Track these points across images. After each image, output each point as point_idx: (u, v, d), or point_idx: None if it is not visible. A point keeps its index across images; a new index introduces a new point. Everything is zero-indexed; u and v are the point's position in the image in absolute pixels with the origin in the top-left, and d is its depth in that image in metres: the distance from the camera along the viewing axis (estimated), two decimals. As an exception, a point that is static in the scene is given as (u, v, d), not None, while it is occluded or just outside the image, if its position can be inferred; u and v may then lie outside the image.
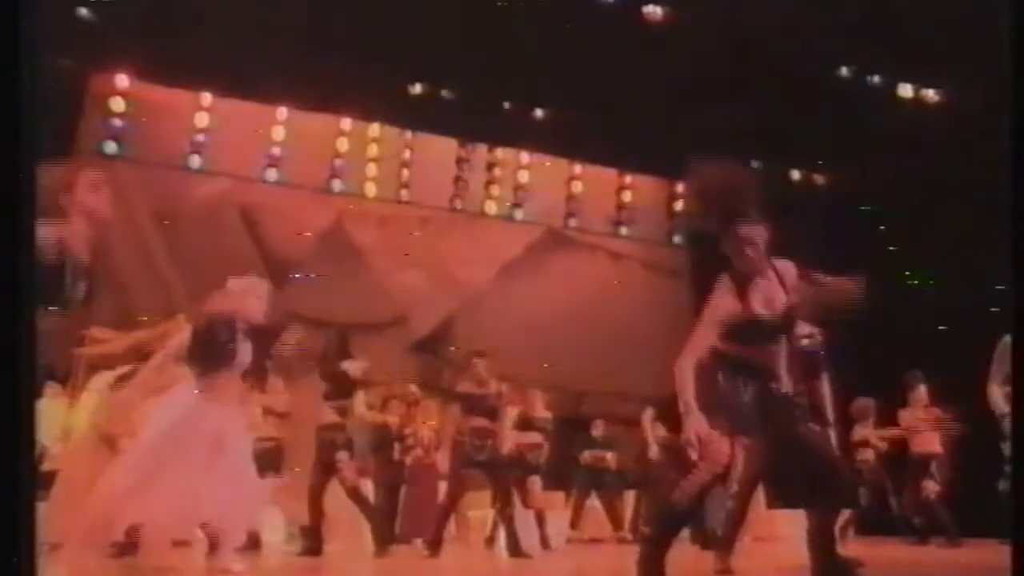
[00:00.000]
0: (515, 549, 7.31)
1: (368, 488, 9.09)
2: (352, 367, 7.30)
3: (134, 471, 4.27)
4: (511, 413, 8.29)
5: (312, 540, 7.02)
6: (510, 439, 7.95)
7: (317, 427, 7.20)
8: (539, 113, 12.04)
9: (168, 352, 4.66)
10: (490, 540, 8.68)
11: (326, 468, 7.09)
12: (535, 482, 8.81)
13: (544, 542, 8.63)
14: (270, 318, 5.18)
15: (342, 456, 7.07)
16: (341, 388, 7.24)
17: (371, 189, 12.26)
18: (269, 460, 7.19)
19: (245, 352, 4.69)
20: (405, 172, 12.39)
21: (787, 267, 3.75)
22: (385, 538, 7.17)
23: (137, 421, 4.45)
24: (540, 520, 8.82)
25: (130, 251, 10.75)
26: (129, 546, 5.85)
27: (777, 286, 3.67)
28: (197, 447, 4.34)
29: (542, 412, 9.13)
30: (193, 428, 4.38)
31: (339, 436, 7.13)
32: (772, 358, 3.65)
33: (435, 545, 7.33)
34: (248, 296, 4.79)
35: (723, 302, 3.64)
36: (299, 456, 7.94)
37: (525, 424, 8.80)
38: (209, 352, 4.57)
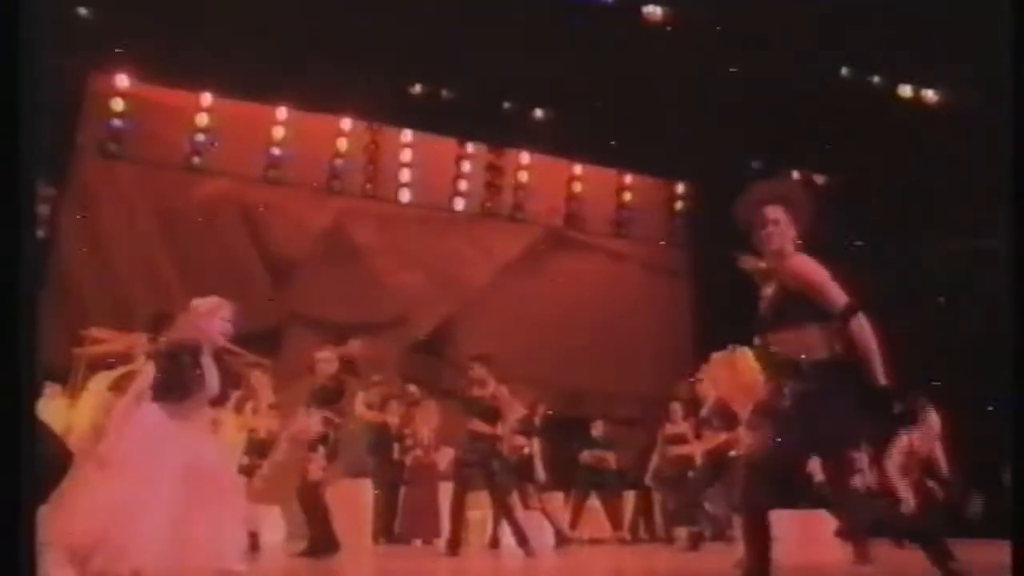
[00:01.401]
0: (523, 542, 7.34)
1: (366, 490, 9.09)
2: (353, 346, 7.25)
3: (112, 505, 4.16)
4: (510, 416, 8.28)
5: (324, 538, 6.90)
6: (509, 441, 7.93)
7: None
8: (539, 113, 12.05)
9: (134, 393, 4.56)
10: (493, 540, 8.69)
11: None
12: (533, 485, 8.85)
13: (559, 538, 8.65)
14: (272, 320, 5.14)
15: (317, 450, 6.95)
16: (329, 393, 7.15)
17: (371, 189, 12.27)
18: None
19: (212, 377, 4.61)
20: (405, 172, 12.40)
21: (802, 263, 3.67)
22: (320, 547, 6.84)
23: (109, 455, 4.32)
24: (549, 519, 8.87)
25: (130, 251, 10.76)
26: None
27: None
28: (174, 478, 4.25)
29: (520, 413, 9.13)
30: (167, 458, 4.29)
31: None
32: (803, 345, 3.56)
33: (453, 546, 7.39)
34: (212, 318, 4.71)
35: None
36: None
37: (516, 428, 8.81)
38: (175, 382, 4.48)
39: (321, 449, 6.98)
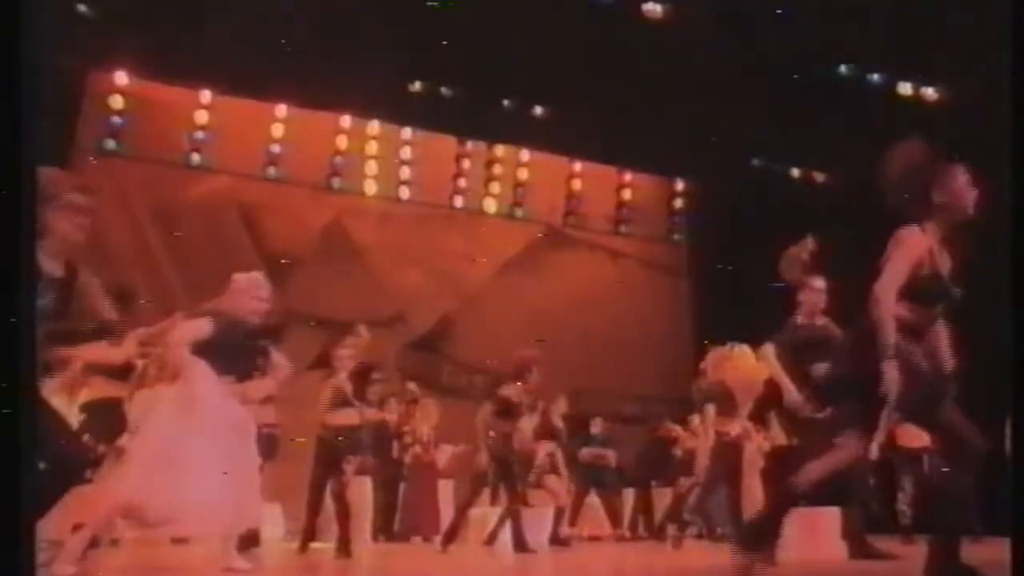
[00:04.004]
0: (520, 544, 7.35)
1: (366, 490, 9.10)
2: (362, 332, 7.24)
3: (145, 460, 4.28)
4: (532, 418, 8.30)
5: (306, 535, 6.99)
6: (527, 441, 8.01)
7: (324, 425, 6.98)
8: (539, 111, 12.03)
9: (170, 343, 4.62)
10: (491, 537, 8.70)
11: (328, 466, 6.97)
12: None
13: (554, 538, 8.66)
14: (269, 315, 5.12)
15: (351, 459, 7.01)
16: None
17: (371, 187, 12.26)
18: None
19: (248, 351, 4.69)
20: (405, 170, 12.39)
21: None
22: (347, 546, 6.78)
23: (143, 415, 4.45)
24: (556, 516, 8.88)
25: (129, 249, 10.75)
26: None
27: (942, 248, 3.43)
28: (208, 439, 4.34)
29: (558, 421, 9.19)
30: (207, 421, 4.39)
31: (351, 436, 7.01)
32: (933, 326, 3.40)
33: (448, 540, 7.49)
34: (247, 295, 4.75)
35: (915, 250, 3.34)
36: (298, 452, 7.88)
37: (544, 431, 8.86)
38: (214, 349, 4.55)
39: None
